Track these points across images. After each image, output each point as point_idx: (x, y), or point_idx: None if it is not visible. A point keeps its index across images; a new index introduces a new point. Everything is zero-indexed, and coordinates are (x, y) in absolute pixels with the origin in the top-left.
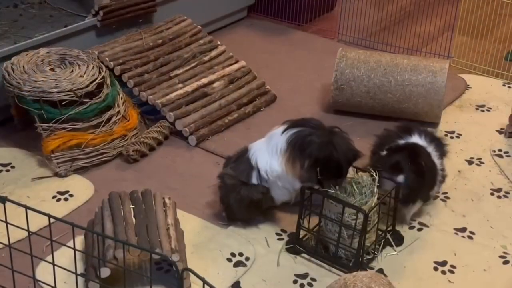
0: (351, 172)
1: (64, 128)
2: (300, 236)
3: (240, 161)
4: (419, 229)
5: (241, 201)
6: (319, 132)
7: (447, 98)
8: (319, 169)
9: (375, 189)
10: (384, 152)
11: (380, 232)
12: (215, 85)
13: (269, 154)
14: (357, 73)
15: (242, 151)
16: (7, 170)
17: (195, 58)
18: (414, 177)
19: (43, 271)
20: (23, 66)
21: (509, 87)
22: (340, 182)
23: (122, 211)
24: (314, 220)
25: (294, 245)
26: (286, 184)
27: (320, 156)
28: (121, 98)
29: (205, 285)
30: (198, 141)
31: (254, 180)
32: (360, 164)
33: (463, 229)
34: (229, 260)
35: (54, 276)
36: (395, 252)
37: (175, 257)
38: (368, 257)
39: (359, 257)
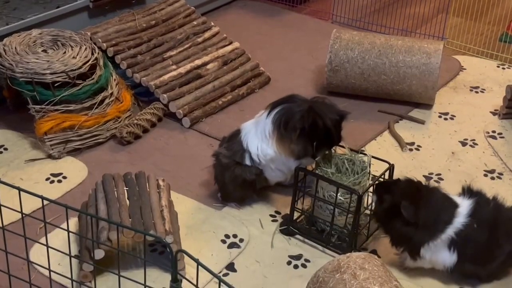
0: (343, 150)
1: (57, 110)
2: (294, 218)
3: (234, 141)
4: None
5: (235, 180)
6: (298, 103)
7: (441, 80)
8: (309, 140)
9: (369, 170)
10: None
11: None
12: (209, 66)
13: (258, 138)
14: (351, 55)
15: (236, 131)
16: (0, 152)
17: (188, 39)
18: None
19: (37, 253)
20: (15, 48)
21: (503, 68)
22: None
23: (115, 193)
24: (308, 201)
25: (288, 227)
26: (280, 165)
27: (304, 125)
28: (114, 80)
29: (199, 267)
30: (192, 123)
31: (248, 162)
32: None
33: None
34: (223, 241)
35: (48, 258)
36: None
37: (169, 239)
38: (361, 238)
39: (353, 238)
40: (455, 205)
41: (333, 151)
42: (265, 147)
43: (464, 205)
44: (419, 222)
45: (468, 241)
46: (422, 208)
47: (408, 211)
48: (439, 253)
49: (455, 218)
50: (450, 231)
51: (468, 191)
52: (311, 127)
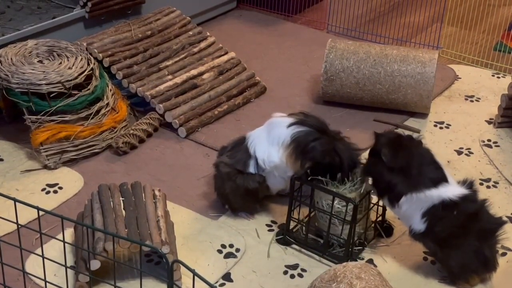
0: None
1: (53, 121)
2: (290, 227)
3: (237, 150)
4: None
5: (236, 190)
6: (323, 140)
7: (436, 89)
8: (311, 168)
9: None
10: None
11: (370, 223)
12: (204, 76)
13: (269, 143)
14: (347, 64)
15: (239, 139)
16: None
17: (184, 49)
18: None
19: (32, 264)
20: (11, 58)
21: (498, 77)
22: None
23: (111, 203)
24: (305, 211)
25: (284, 236)
26: (282, 173)
27: (323, 161)
28: (110, 90)
29: (195, 277)
30: (188, 132)
31: (252, 169)
32: None
33: None
34: (220, 251)
35: (43, 268)
36: (385, 243)
37: (165, 249)
38: (358, 247)
39: (349, 247)
40: (443, 173)
41: None
42: (272, 153)
43: (455, 187)
44: (396, 166)
45: (442, 220)
46: (400, 155)
47: (386, 156)
48: (415, 212)
49: (442, 185)
50: (434, 193)
51: (467, 184)
52: (327, 165)
